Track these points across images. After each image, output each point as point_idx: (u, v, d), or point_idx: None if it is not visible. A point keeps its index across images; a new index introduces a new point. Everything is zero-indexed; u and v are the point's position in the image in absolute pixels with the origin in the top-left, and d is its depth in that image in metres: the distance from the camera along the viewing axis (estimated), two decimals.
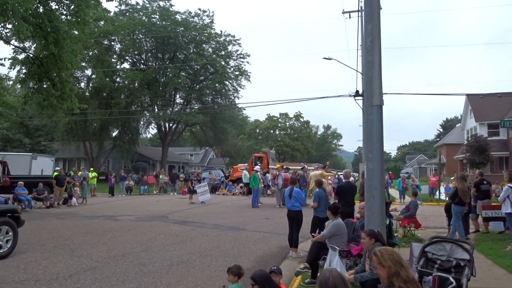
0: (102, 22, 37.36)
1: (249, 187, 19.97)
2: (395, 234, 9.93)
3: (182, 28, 42.47)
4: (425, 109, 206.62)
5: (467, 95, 38.14)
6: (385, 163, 6.72)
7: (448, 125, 79.14)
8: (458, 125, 51.65)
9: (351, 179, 20.27)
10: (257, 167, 22.28)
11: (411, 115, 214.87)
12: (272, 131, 67.03)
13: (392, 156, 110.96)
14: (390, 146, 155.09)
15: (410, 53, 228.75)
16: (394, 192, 26.87)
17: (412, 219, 11.11)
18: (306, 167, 23.49)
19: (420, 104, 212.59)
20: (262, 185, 22.28)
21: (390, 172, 40.75)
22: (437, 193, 23.74)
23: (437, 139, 76.10)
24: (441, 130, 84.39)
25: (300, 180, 19.43)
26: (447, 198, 19.54)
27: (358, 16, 22.15)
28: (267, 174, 24.37)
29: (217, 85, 44.13)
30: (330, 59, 23.43)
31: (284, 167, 22.68)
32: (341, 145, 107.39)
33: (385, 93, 7.04)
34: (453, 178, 22.18)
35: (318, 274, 6.50)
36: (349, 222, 7.60)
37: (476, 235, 11.05)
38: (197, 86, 45.90)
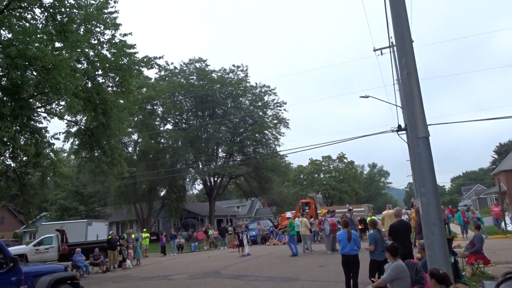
0: (144, 89, 39.67)
1: (296, 234, 19.14)
2: (463, 273, 9.21)
3: (219, 85, 44.22)
4: (476, 136, 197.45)
5: None
6: (440, 196, 6.39)
7: (503, 150, 74.85)
8: None
9: (405, 217, 19.41)
10: (289, 214, 21.44)
11: (462, 144, 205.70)
12: (316, 175, 66.25)
13: (446, 189, 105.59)
14: (443, 179, 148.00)
15: (454, 80, 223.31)
16: (455, 228, 25.25)
17: (479, 255, 10.29)
18: (353, 209, 22.80)
19: (470, 131, 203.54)
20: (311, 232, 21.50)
21: (449, 206, 38.55)
22: (503, 224, 22.04)
23: (493, 166, 71.87)
24: (495, 156, 79.86)
25: (350, 224, 18.65)
26: None
27: (390, 52, 22.21)
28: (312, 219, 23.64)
29: (257, 135, 44.85)
30: (367, 97, 23.32)
31: (330, 211, 22.06)
32: (390, 183, 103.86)
33: (430, 124, 6.85)
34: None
35: None
36: (410, 263, 7.16)
37: None
38: (238, 139, 46.81)
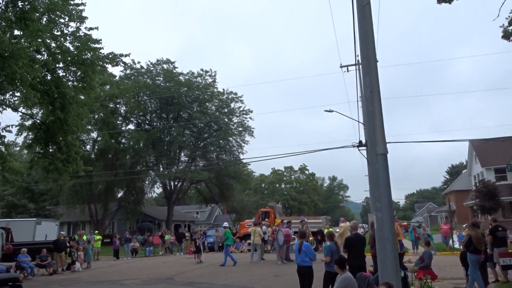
0: (107, 86, 38.63)
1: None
2: (411, 287, 9.49)
3: (186, 88, 43.77)
4: (431, 156, 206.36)
5: (470, 141, 38.27)
6: (394, 212, 6.59)
7: (454, 172, 78.53)
8: (465, 171, 51.22)
9: (360, 230, 19.82)
10: (226, 223, 21.27)
11: (417, 163, 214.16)
12: (277, 185, 66.68)
13: (401, 205, 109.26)
14: (398, 195, 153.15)
15: (413, 101, 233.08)
16: (406, 243, 26.10)
17: (428, 271, 10.64)
18: (306, 220, 23.02)
19: (425, 151, 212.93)
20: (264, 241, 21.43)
21: (404, 223, 39.83)
22: (451, 241, 23.01)
23: (445, 186, 75.19)
24: (447, 176, 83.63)
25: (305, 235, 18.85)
26: (461, 247, 18.93)
27: (356, 69, 22.86)
28: (267, 228, 23.67)
29: (221, 141, 44.69)
30: (331, 111, 23.81)
31: (285, 221, 22.15)
32: (348, 196, 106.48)
33: (389, 142, 7.05)
34: (465, 225, 21.61)
35: None
36: (362, 276, 7.29)
37: (496, 285, 10.52)
38: (201, 144, 46.42)
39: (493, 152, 36.93)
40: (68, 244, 19.84)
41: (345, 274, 6.71)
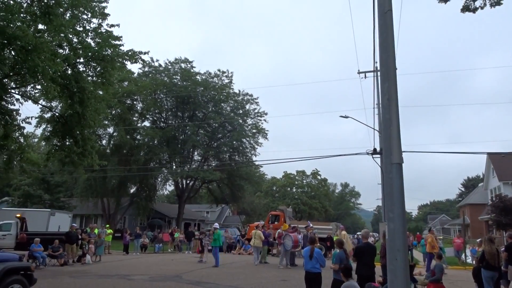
0: (126, 83, 39.11)
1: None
2: None
3: (202, 88, 44.04)
4: (447, 167, 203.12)
5: (488, 154, 37.56)
6: (406, 223, 6.49)
7: (470, 184, 77.21)
8: (481, 184, 50.27)
9: (371, 239, 19.65)
10: (216, 224, 21.20)
11: (432, 173, 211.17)
12: (289, 189, 66.50)
13: (413, 216, 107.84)
14: (411, 205, 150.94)
15: (433, 111, 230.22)
16: (417, 255, 25.71)
17: (438, 284, 10.45)
18: (312, 225, 22.85)
19: (441, 162, 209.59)
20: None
21: (418, 233, 39.28)
22: (463, 256, 22.59)
23: (460, 199, 73.95)
24: (463, 189, 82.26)
25: (304, 240, 18.87)
26: (473, 262, 18.57)
27: (374, 76, 22.66)
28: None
29: (234, 142, 44.77)
30: (347, 117, 23.64)
31: (292, 227, 22.09)
32: (360, 204, 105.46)
33: (404, 151, 6.95)
34: (479, 240, 21.17)
35: None
36: (371, 286, 7.20)
37: None
38: (215, 144, 46.60)
39: (511, 166, 36.17)
40: (80, 237, 20.10)
41: (348, 282, 6.64)
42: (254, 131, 46.27)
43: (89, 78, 15.65)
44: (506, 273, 10.53)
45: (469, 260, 21.66)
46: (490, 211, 32.45)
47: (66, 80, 14.27)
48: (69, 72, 14.79)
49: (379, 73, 15.57)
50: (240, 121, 45.74)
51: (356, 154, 22.63)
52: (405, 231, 6.16)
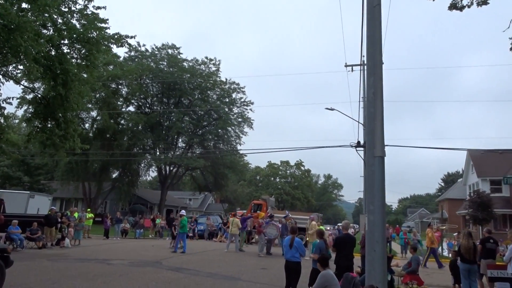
0: (111, 66, 38.45)
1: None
2: None
3: (189, 75, 43.65)
4: (428, 162, 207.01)
5: (469, 150, 38.34)
6: (386, 215, 6.61)
7: (449, 180, 78.85)
8: (460, 180, 51.41)
9: (351, 230, 20.00)
10: (183, 211, 21.35)
11: (413, 167, 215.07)
12: (272, 179, 66.89)
13: (393, 209, 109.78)
14: (392, 198, 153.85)
15: (418, 106, 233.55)
16: (396, 247, 26.26)
17: (415, 276, 10.74)
18: (290, 215, 23.12)
19: (423, 157, 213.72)
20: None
21: (397, 226, 40.05)
22: (440, 249, 23.16)
23: (439, 193, 75.51)
24: (442, 184, 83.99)
25: (282, 229, 19.21)
26: (449, 255, 19.07)
27: (361, 70, 22.80)
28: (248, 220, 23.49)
29: (219, 130, 44.66)
30: (332, 109, 23.77)
31: (269, 214, 22.40)
32: (342, 196, 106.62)
33: (387, 145, 7.06)
34: (456, 234, 21.74)
35: None
36: (349, 277, 7.34)
37: None
38: (200, 131, 46.40)
39: (490, 163, 37.04)
40: (59, 220, 19.87)
41: (324, 271, 6.74)
42: (239, 120, 46.22)
43: (73, 60, 15.35)
44: (479, 266, 10.87)
45: (445, 253, 22.23)
46: (468, 206, 33.25)
47: (49, 61, 13.97)
48: (53, 53, 14.48)
49: (365, 67, 15.68)
50: (226, 109, 45.57)
51: (340, 146, 22.85)
52: (384, 223, 6.29)
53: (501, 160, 36.30)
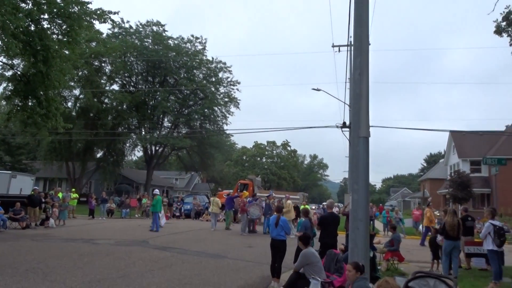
0: (94, 43, 37.53)
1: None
2: (379, 267, 9.83)
3: (174, 53, 42.89)
4: (412, 143, 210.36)
5: (451, 131, 39.01)
6: (370, 195, 6.74)
7: (432, 160, 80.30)
8: (442, 160, 52.44)
9: (335, 209, 20.37)
10: (156, 190, 21.61)
11: (398, 148, 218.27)
12: (259, 159, 67.14)
13: (377, 188, 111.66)
14: (376, 178, 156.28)
15: (404, 88, 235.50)
16: (378, 225, 26.84)
17: (396, 253, 11.04)
18: (274, 195, 23.40)
19: (407, 138, 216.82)
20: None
21: (380, 204, 40.83)
22: (420, 226, 23.75)
23: (421, 173, 76.97)
24: (425, 164, 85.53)
25: (265, 209, 19.55)
26: (430, 232, 19.57)
27: (347, 50, 22.73)
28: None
29: (206, 110, 44.30)
30: (318, 90, 23.70)
31: (254, 195, 22.79)
32: (327, 175, 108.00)
33: (372, 126, 7.12)
34: (437, 212, 22.27)
35: None
36: (332, 253, 7.50)
37: (459, 271, 10.97)
38: (186, 111, 45.99)
39: (471, 144, 37.82)
40: (43, 200, 19.68)
41: (306, 250, 6.88)
42: (226, 100, 45.88)
43: (54, 36, 14.91)
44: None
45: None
46: (448, 185, 34.09)
47: (29, 37, 13.54)
48: (32, 28, 14.02)
49: (352, 47, 15.63)
50: (213, 89, 45.10)
51: (326, 127, 22.97)
52: (368, 202, 6.41)
53: (481, 141, 37.10)
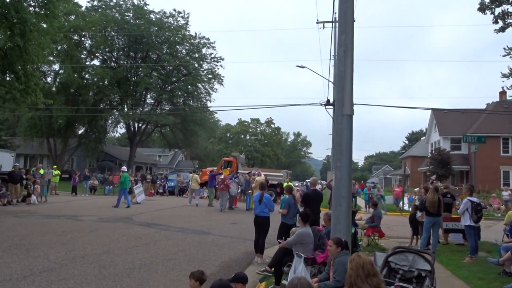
0: (72, 17, 36.39)
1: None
2: (360, 243, 10.09)
3: (156, 28, 41.95)
4: (395, 121, 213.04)
5: (433, 109, 39.57)
6: (352, 172, 6.82)
7: (413, 138, 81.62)
8: (423, 138, 53.36)
9: (318, 186, 20.71)
10: (124, 168, 21.82)
11: (380, 126, 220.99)
12: (242, 136, 67.04)
13: (359, 166, 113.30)
14: (358, 156, 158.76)
15: (387, 65, 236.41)
16: (360, 202, 27.40)
17: (377, 229, 11.33)
18: (255, 172, 23.56)
19: (390, 116, 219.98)
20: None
21: (362, 182, 41.55)
22: (401, 203, 24.37)
23: (403, 151, 78.29)
24: (406, 142, 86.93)
25: (245, 185, 19.82)
26: (410, 209, 20.08)
27: (332, 27, 22.57)
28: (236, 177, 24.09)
29: (189, 87, 43.79)
30: (303, 67, 23.69)
31: (234, 172, 23.02)
32: (310, 153, 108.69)
33: (356, 104, 7.17)
34: (417, 189, 22.77)
35: (283, 281, 6.49)
36: (315, 230, 7.63)
37: (437, 246, 11.35)
38: (169, 87, 45.35)
39: (452, 122, 38.51)
40: (24, 177, 19.40)
41: (304, 228, 6.97)
42: (209, 76, 45.32)
43: (31, 9, 14.38)
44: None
45: (406, 207, 23.42)
46: (429, 163, 34.81)
47: (4, 9, 13.03)
48: (8, 0, 13.46)
49: (337, 24, 15.53)
50: (196, 65, 44.44)
51: (310, 104, 23.06)
52: (350, 179, 6.50)
53: (462, 119, 37.81)
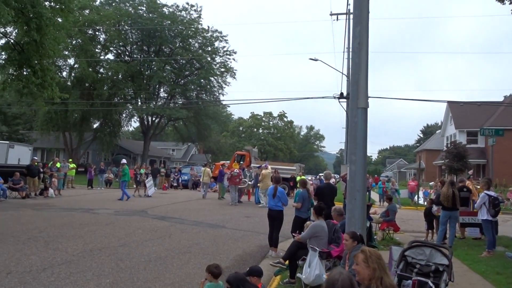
0: (87, 11, 36.68)
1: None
2: (375, 237, 10.03)
3: (169, 22, 42.04)
4: (410, 114, 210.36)
5: (448, 102, 38.95)
6: (366, 165, 6.77)
7: (428, 131, 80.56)
8: (439, 131, 52.60)
9: (332, 180, 20.64)
10: (124, 160, 22.13)
11: (395, 119, 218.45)
12: (255, 130, 67.05)
13: (373, 159, 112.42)
14: (372, 149, 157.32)
15: (403, 57, 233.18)
16: (374, 196, 27.21)
17: (391, 223, 11.24)
18: (267, 166, 23.57)
19: (405, 108, 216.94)
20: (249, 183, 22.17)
21: (376, 175, 41.26)
22: (416, 197, 24.12)
23: (417, 145, 77.36)
24: (421, 135, 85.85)
25: (255, 179, 19.99)
26: (425, 203, 19.86)
27: (346, 19, 22.32)
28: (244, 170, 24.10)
29: (202, 80, 43.87)
30: (316, 60, 23.52)
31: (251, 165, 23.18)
32: (323, 147, 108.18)
33: (370, 97, 7.07)
34: (432, 183, 22.48)
35: (297, 274, 6.49)
36: (330, 224, 7.60)
37: (453, 240, 11.22)
38: (182, 81, 45.51)
39: (468, 115, 37.86)
40: (41, 170, 19.76)
41: (318, 221, 6.94)
42: (222, 69, 45.31)
43: (46, 3, 14.52)
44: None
45: (421, 201, 23.17)
46: (444, 156, 34.32)
47: (21, 4, 13.19)
48: None
49: (351, 16, 15.33)
50: (209, 59, 44.46)
51: (323, 97, 22.97)
52: (365, 173, 6.45)
53: (479, 112, 37.12)
